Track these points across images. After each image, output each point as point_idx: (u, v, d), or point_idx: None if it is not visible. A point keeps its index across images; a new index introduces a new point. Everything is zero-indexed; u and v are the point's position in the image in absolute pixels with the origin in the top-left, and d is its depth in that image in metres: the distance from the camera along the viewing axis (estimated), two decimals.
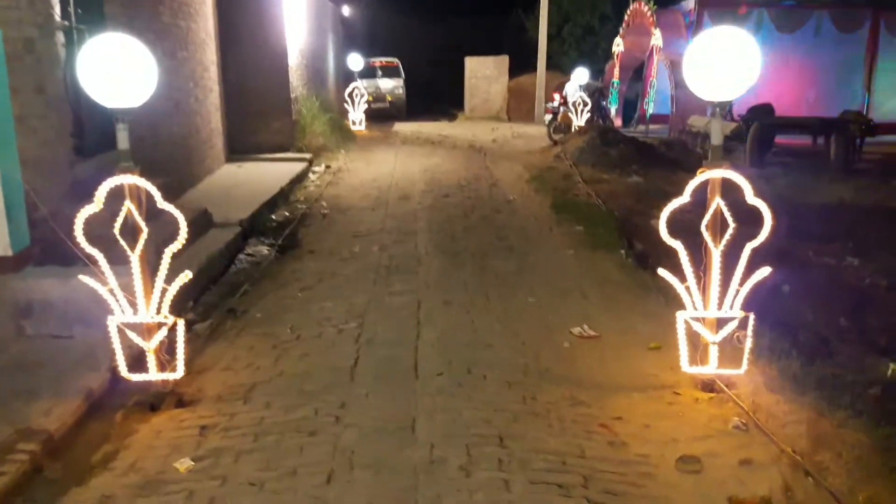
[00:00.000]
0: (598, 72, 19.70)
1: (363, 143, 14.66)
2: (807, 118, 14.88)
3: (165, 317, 3.51)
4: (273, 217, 7.64)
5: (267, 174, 9.60)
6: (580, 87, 16.58)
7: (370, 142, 15.06)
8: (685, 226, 3.67)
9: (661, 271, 3.69)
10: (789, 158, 13.23)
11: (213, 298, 5.19)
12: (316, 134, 11.97)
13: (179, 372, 3.60)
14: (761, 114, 14.93)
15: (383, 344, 4.32)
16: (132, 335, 3.48)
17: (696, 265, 3.57)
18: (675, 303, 3.70)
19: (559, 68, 21.93)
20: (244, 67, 10.88)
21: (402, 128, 18.03)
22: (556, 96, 16.36)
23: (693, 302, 3.61)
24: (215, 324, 4.66)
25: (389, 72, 21.59)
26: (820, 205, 9.29)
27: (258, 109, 11.16)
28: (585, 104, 15.81)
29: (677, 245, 3.57)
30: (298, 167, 10.35)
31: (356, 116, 16.76)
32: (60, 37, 5.06)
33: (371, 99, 18.38)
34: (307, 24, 13.72)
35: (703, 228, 3.52)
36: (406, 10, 26.44)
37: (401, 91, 21.32)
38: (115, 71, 3.25)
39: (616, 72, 19.31)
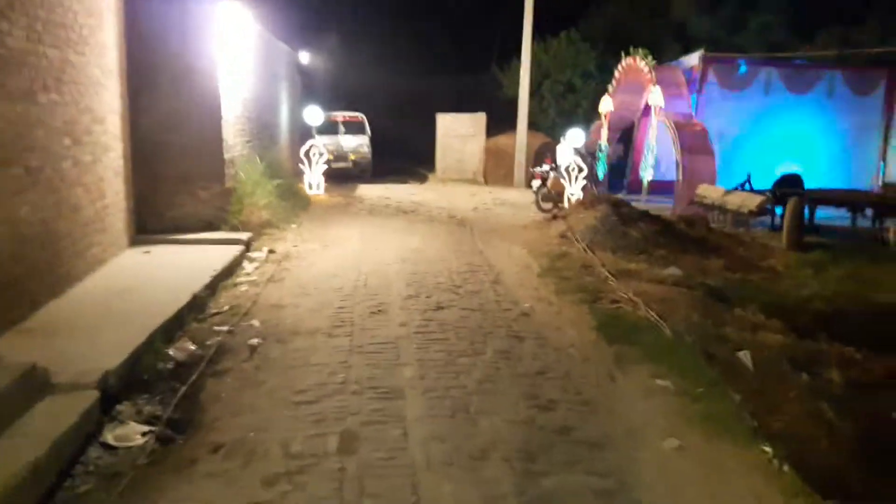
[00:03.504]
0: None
1: (321, 214, 11.96)
2: (855, 192, 12.86)
3: None
4: (171, 352, 4.85)
5: (181, 267, 6.83)
6: (574, 150, 14.38)
7: (329, 211, 12.36)
8: None
9: None
10: (828, 239, 11.06)
11: None
12: (258, 206, 9.23)
13: None
14: (791, 185, 12.88)
15: None
16: None
17: None
18: None
19: (537, 127, 19.90)
20: (162, 118, 8.19)
21: (368, 192, 15.44)
22: (546, 161, 14.21)
23: None
24: None
25: (353, 128, 18.99)
26: None
27: (180, 174, 8.43)
28: (581, 170, 13.59)
29: None
30: (229, 254, 7.59)
31: (313, 179, 14.16)
32: None
33: (331, 158, 15.80)
34: (254, 69, 11.17)
35: None
36: (372, 60, 24.23)
37: (366, 150, 18.69)
38: None
39: (604, 133, 17.31)
